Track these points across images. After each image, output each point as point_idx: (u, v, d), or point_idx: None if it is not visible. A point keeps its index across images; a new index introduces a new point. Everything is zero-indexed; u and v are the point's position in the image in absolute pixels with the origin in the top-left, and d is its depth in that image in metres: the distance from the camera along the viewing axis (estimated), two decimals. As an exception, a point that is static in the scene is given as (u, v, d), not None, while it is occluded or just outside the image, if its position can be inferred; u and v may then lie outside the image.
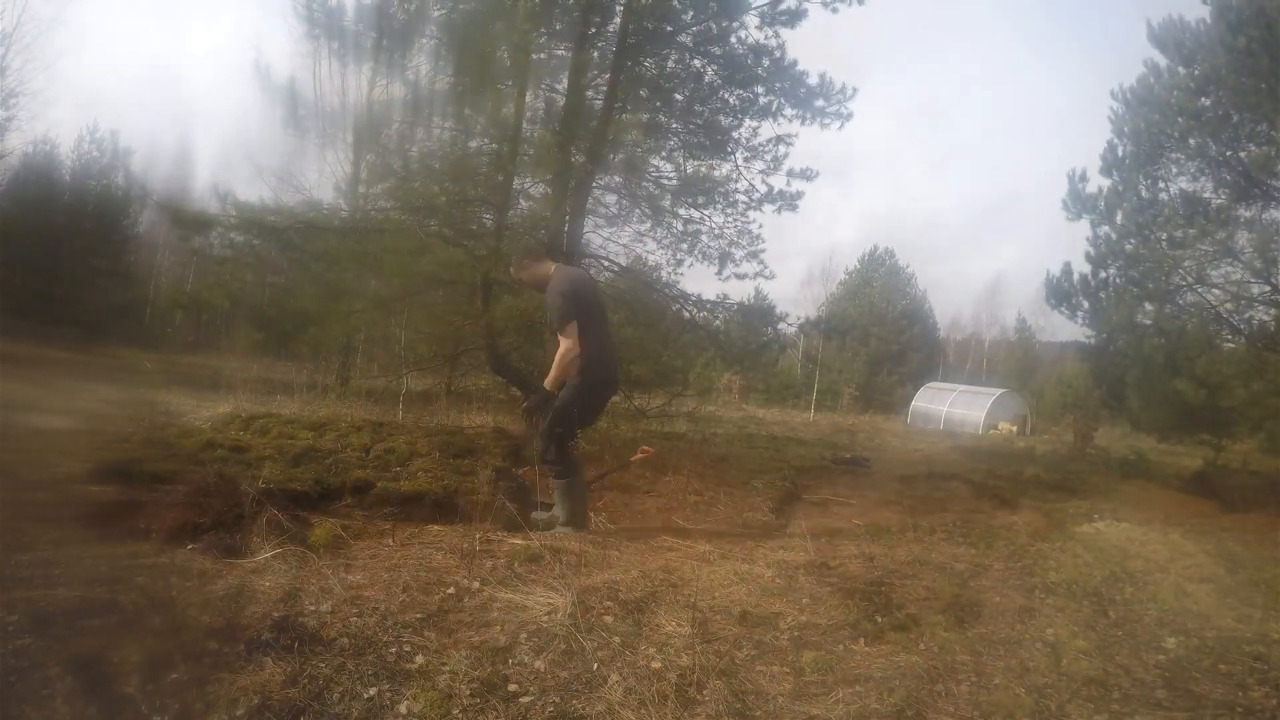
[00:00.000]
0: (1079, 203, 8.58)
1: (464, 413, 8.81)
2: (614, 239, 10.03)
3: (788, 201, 9.17)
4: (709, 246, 9.67)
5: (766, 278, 10.05)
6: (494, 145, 7.92)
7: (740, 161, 9.10)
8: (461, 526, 3.89)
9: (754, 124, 8.93)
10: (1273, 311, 7.78)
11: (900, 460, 9.92)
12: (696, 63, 8.53)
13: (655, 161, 9.49)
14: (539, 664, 2.29)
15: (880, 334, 30.68)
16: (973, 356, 35.56)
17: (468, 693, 2.10)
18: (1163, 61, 7.93)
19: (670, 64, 8.64)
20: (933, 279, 61.58)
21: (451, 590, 2.86)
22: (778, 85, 8.32)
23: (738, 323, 8.96)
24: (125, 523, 3.24)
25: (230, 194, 6.37)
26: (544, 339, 7.44)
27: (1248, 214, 7.83)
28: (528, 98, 7.20)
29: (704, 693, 2.20)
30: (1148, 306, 8.25)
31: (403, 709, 2.00)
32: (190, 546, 3.07)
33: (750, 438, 11.22)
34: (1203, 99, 7.53)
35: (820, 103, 8.30)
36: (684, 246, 9.83)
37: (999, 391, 24.20)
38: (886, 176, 64.70)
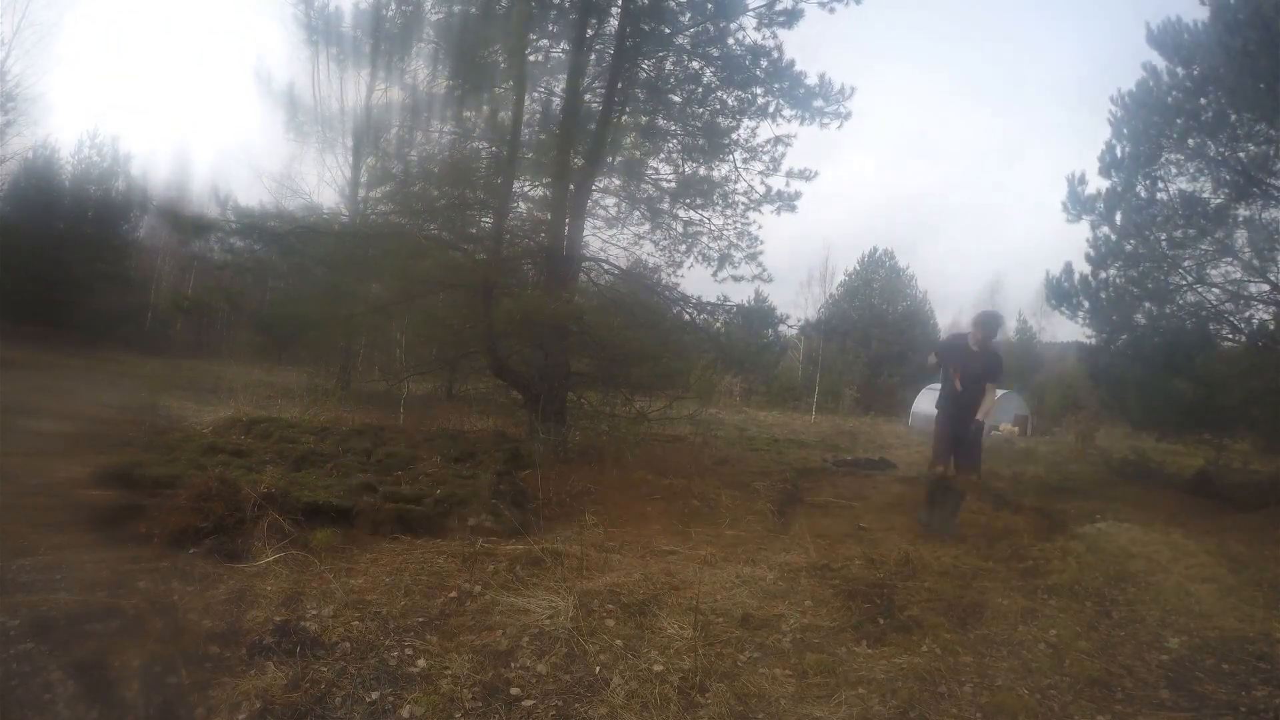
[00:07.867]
0: (1079, 204, 8.57)
1: (465, 417, 8.79)
2: (614, 241, 10.06)
3: (786, 202, 9.17)
4: (709, 248, 9.69)
5: (765, 280, 10.07)
6: (493, 148, 7.93)
7: (739, 162, 9.10)
8: (462, 530, 3.90)
9: (752, 124, 8.94)
10: (1271, 310, 7.77)
11: (902, 461, 9.90)
12: (694, 64, 8.53)
13: (654, 163, 9.53)
14: (541, 667, 2.29)
15: (881, 335, 30.65)
16: (973, 357, 35.36)
17: (470, 696, 2.10)
18: (1161, 64, 7.92)
19: (668, 66, 8.64)
20: (933, 279, 61.45)
21: (453, 594, 2.86)
22: (776, 86, 8.30)
23: (738, 325, 8.95)
24: (127, 527, 3.24)
25: (230, 199, 6.38)
26: (544, 343, 7.38)
27: (1246, 213, 7.81)
28: (526, 101, 7.19)
29: (706, 695, 2.20)
30: (1147, 306, 8.24)
31: (405, 713, 2.00)
32: (192, 550, 3.08)
33: (751, 440, 11.21)
34: (1201, 99, 7.53)
35: (819, 102, 8.29)
36: (683, 248, 9.87)
37: (1000, 392, 24.17)
38: (887, 176, 64.71)
